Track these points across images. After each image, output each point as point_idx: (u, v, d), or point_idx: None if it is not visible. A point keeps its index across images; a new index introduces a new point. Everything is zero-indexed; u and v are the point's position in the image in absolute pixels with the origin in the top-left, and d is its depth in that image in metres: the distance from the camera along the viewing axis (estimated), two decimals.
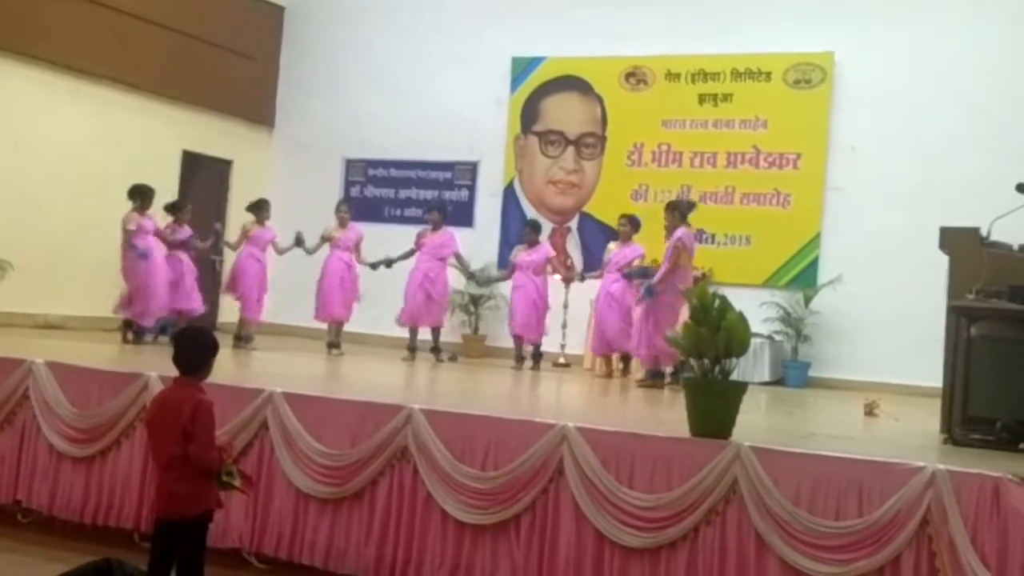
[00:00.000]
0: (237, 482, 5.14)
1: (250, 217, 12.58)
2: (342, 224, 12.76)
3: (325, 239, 12.66)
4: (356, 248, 12.73)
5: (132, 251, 11.41)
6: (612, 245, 12.05)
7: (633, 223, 11.86)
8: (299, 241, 12.53)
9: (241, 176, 15.70)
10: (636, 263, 11.56)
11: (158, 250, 11.70)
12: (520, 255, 12.45)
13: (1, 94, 12.13)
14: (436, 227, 12.50)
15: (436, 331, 12.58)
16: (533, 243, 12.52)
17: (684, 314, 9.10)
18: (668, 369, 10.69)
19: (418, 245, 12.45)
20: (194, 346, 5.28)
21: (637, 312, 11.05)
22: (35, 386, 7.45)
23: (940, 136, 12.62)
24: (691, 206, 11.00)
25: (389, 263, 12.58)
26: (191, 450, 4.96)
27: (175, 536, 5.07)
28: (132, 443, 7.11)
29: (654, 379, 10.67)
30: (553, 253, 12.86)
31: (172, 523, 5.08)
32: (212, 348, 5.29)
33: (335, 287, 12.51)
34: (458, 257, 12.61)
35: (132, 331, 11.60)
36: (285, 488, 6.68)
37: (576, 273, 12.90)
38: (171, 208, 12.24)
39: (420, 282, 12.25)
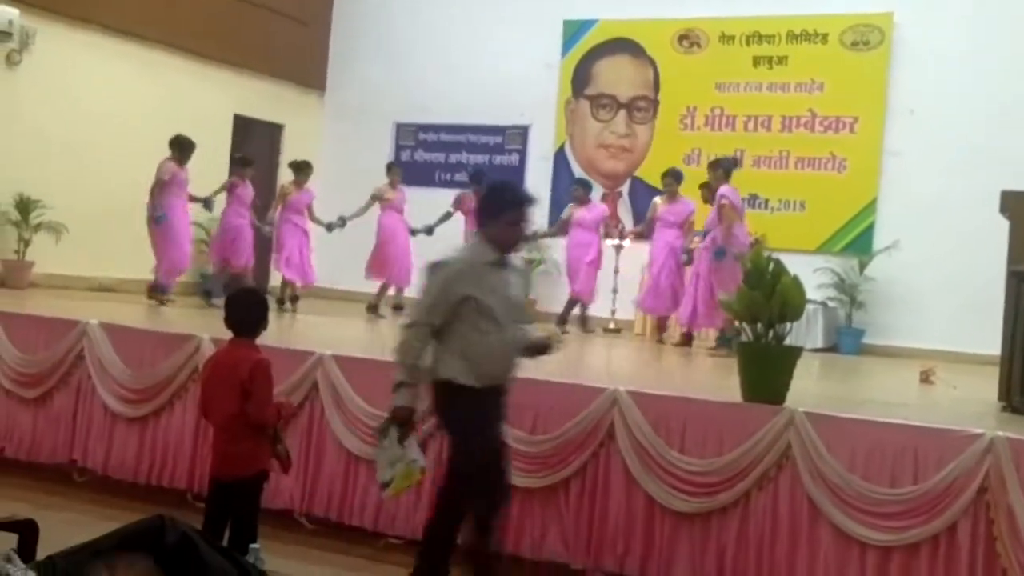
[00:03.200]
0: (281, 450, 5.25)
1: (290, 177, 12.55)
2: (393, 186, 12.78)
3: (376, 198, 12.64)
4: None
5: (152, 212, 11.36)
6: (658, 200, 11.83)
7: (674, 176, 11.64)
8: (331, 227, 12.51)
9: (292, 140, 15.70)
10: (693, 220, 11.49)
11: (180, 208, 11.61)
12: (579, 212, 12.32)
13: (55, 58, 12.20)
14: (479, 195, 12.37)
15: None
16: (585, 201, 12.42)
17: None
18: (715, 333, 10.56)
19: (463, 211, 12.37)
20: (246, 306, 5.32)
21: (690, 276, 10.88)
22: (90, 347, 7.54)
23: (1002, 98, 12.30)
24: (734, 163, 10.83)
25: (430, 230, 12.52)
26: (249, 408, 5.00)
27: (230, 496, 5.12)
28: (184, 404, 7.18)
29: (724, 344, 10.22)
30: (608, 212, 12.81)
31: (227, 483, 5.13)
32: (263, 307, 5.34)
33: (398, 247, 12.49)
34: None
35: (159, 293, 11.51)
36: (336, 450, 6.71)
37: (622, 231, 12.66)
38: (240, 161, 12.41)
39: None
